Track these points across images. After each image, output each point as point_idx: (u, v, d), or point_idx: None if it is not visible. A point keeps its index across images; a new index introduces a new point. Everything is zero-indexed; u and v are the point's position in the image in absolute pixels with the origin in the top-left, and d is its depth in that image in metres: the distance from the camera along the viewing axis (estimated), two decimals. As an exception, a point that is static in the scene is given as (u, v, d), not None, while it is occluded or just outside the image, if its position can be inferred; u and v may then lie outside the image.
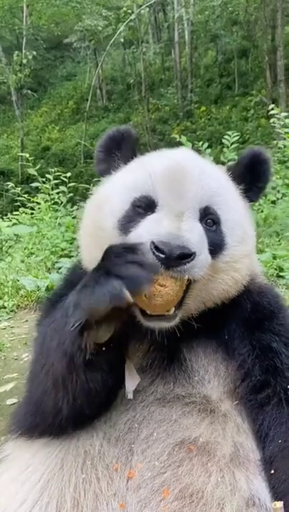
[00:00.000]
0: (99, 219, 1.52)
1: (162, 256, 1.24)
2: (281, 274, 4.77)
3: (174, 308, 1.31)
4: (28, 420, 1.40)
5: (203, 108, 25.76)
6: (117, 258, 1.22)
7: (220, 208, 1.48)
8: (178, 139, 7.99)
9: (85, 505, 1.20)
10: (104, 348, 1.28)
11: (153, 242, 1.25)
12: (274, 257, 5.09)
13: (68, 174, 8.15)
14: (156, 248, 1.24)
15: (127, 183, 1.53)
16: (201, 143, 8.13)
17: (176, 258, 1.24)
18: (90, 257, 1.52)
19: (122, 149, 1.67)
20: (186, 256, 1.25)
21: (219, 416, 1.35)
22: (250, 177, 1.67)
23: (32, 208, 8.46)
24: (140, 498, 1.18)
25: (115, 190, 1.54)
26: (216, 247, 1.43)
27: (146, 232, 1.32)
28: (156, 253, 1.24)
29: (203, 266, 1.33)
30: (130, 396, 1.37)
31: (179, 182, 1.43)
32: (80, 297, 1.24)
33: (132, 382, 1.37)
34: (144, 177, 1.48)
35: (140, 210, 1.43)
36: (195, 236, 1.32)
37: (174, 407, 1.35)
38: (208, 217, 1.45)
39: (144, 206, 1.43)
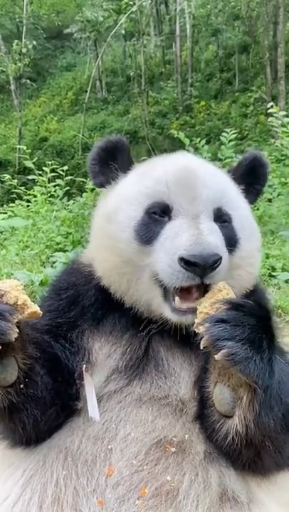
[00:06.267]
0: (112, 231, 1.52)
1: (196, 268, 1.27)
2: (273, 273, 4.80)
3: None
4: (3, 432, 1.41)
5: (202, 103, 25.63)
6: None
7: (230, 207, 1.53)
8: (176, 135, 8.00)
9: (65, 501, 1.23)
10: (22, 386, 1.24)
11: (182, 258, 1.27)
12: (267, 257, 5.11)
13: (65, 168, 8.16)
14: (188, 263, 1.27)
15: (136, 192, 1.53)
16: (199, 139, 8.14)
17: (210, 266, 1.27)
18: (110, 269, 1.52)
19: (117, 159, 1.66)
20: (217, 261, 1.28)
21: (192, 415, 1.38)
22: (250, 179, 1.71)
23: (28, 201, 8.47)
24: (118, 494, 1.22)
25: (124, 200, 1.54)
26: (231, 243, 1.47)
27: (170, 249, 1.33)
28: (189, 268, 1.27)
29: (225, 266, 1.36)
30: (96, 419, 1.35)
31: (190, 186, 1.46)
32: None
33: (93, 406, 1.36)
34: (155, 184, 1.50)
35: (156, 217, 1.45)
36: (217, 239, 1.36)
37: (150, 408, 1.37)
38: (222, 217, 1.49)
39: (160, 212, 1.45)
